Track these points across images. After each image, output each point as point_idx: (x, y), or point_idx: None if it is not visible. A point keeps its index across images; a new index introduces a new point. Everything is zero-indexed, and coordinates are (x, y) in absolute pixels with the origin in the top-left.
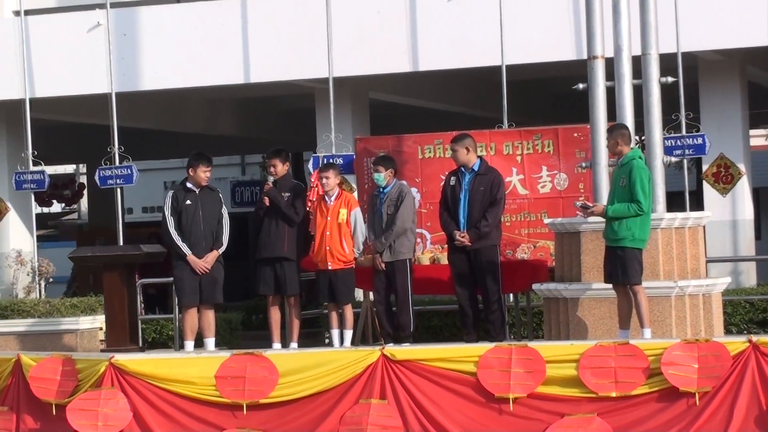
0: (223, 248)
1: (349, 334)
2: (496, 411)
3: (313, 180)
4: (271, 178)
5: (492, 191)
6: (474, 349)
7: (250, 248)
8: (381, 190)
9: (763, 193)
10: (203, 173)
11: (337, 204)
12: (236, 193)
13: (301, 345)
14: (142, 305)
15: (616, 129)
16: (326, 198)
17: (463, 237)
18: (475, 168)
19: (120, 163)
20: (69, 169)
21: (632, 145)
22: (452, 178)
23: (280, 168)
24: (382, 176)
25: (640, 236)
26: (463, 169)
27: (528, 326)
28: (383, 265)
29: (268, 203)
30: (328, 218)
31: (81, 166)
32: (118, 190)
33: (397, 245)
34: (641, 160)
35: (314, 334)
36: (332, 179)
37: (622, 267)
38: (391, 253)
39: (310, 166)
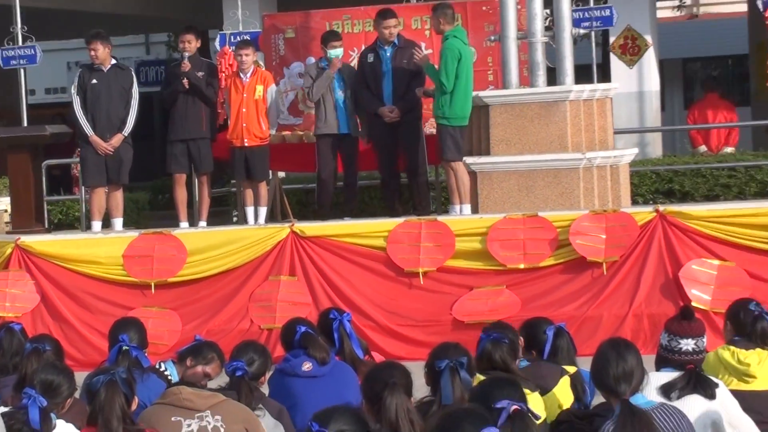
0: (128, 130)
1: (263, 210)
2: (405, 285)
3: (225, 58)
4: (186, 55)
5: (415, 63)
6: (383, 225)
7: (157, 128)
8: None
9: (668, 65)
10: (92, 51)
11: (252, 80)
12: (141, 73)
13: (208, 224)
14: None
15: (439, 8)
16: (241, 75)
17: (392, 112)
18: (395, 42)
19: (23, 43)
20: None
21: (456, 23)
22: (369, 54)
23: (194, 44)
24: (341, 51)
25: (451, 114)
26: (381, 44)
27: (437, 200)
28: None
29: (188, 85)
30: (244, 95)
31: None
32: (21, 71)
33: None
34: (456, 39)
35: (221, 213)
36: (251, 56)
37: (440, 144)
38: None
39: (216, 44)
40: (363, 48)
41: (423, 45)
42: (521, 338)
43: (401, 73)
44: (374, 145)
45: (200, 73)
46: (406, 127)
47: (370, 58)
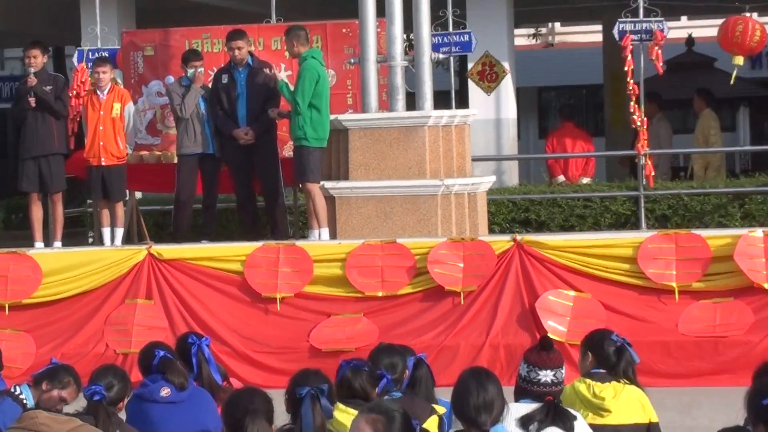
0: None
1: (119, 232)
2: (262, 311)
3: (78, 74)
4: (32, 70)
5: (269, 84)
6: (241, 248)
7: (11, 146)
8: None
9: (523, 93)
10: None
11: (110, 98)
12: None
13: (63, 245)
14: None
15: (292, 31)
16: (98, 92)
17: (247, 134)
18: (250, 62)
19: None
20: None
21: (309, 45)
22: (223, 75)
23: (41, 59)
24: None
25: (312, 135)
26: (235, 64)
27: (295, 225)
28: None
29: (34, 103)
30: (101, 113)
31: None
32: None
33: None
34: (313, 60)
35: (77, 234)
36: (108, 74)
37: (299, 166)
38: None
39: (74, 59)
40: (216, 69)
41: (283, 66)
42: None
43: (256, 95)
44: (229, 167)
45: (48, 88)
46: (262, 149)
47: (224, 79)
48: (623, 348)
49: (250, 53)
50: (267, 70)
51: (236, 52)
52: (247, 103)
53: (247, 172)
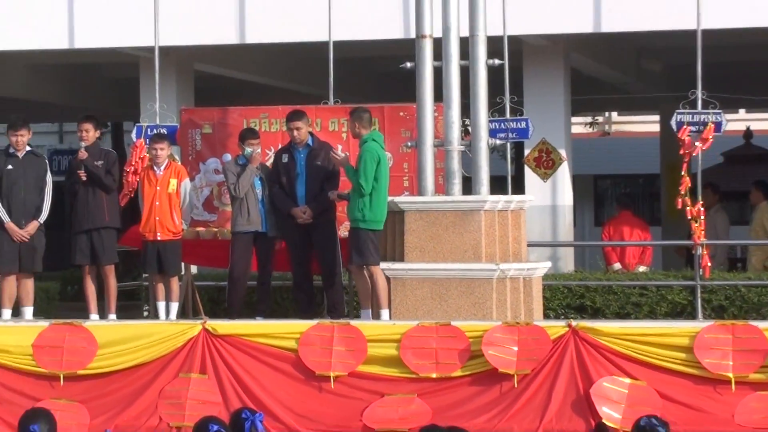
0: (44, 217)
1: (174, 306)
2: (316, 388)
3: (137, 150)
4: (83, 144)
5: (329, 164)
6: (296, 326)
7: (66, 218)
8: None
9: (579, 181)
10: (13, 137)
11: (167, 174)
12: (54, 161)
13: (118, 317)
14: None
15: (355, 112)
16: (155, 168)
17: (305, 213)
18: (310, 143)
19: None
20: None
21: (373, 127)
22: (284, 155)
23: (93, 134)
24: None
25: (371, 218)
26: (295, 144)
27: (349, 304)
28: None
29: (85, 177)
30: (158, 188)
31: None
32: None
33: None
34: (374, 143)
35: (131, 307)
36: (165, 150)
37: (357, 248)
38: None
39: (133, 135)
40: (279, 147)
41: (339, 147)
42: None
43: (315, 175)
44: (287, 245)
45: (99, 162)
46: (321, 228)
47: (285, 158)
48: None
49: (311, 133)
50: (332, 151)
51: (295, 132)
52: (306, 182)
53: (305, 251)
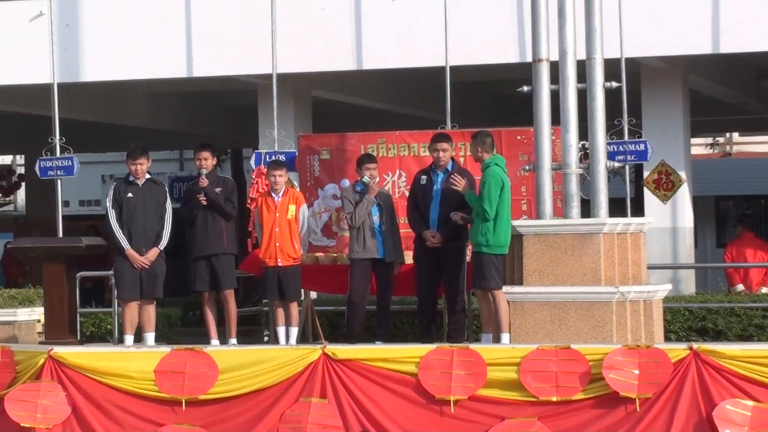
0: (164, 244)
1: (294, 331)
2: (436, 413)
3: (254, 176)
4: (204, 172)
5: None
6: (415, 350)
7: (185, 245)
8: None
9: (700, 202)
10: (133, 165)
11: (285, 200)
12: (174, 188)
13: (239, 342)
14: None
15: (478, 136)
16: (273, 194)
17: (434, 237)
18: (449, 167)
19: (61, 154)
20: (6, 159)
21: (495, 151)
22: (423, 176)
23: (211, 161)
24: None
25: (494, 242)
26: (435, 167)
27: (469, 328)
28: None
29: (205, 201)
30: (277, 214)
31: (18, 157)
32: (58, 181)
33: None
34: (497, 167)
35: (252, 332)
36: (283, 177)
37: (480, 272)
38: None
39: (252, 162)
40: (397, 172)
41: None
42: None
43: (449, 199)
44: (417, 267)
45: (218, 189)
46: (452, 254)
47: (423, 180)
48: None
49: (452, 159)
50: (453, 177)
51: (441, 153)
52: (440, 206)
53: (434, 275)
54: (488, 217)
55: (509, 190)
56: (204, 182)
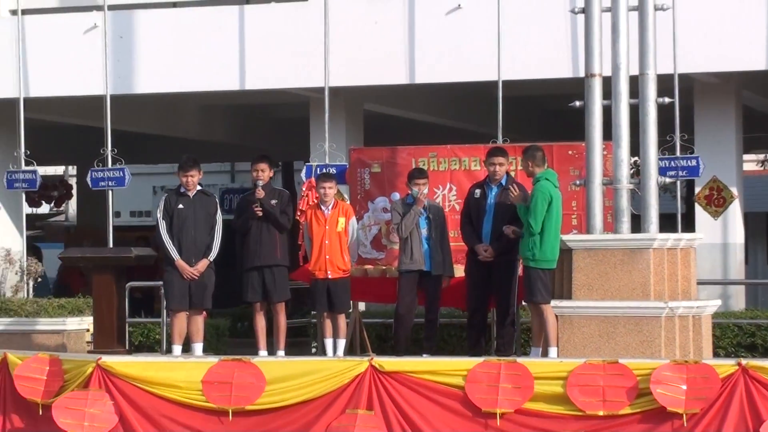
0: (214, 255)
1: (342, 343)
2: (482, 426)
3: (305, 189)
4: (260, 183)
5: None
6: (462, 363)
7: (236, 256)
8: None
9: (752, 218)
10: (184, 177)
11: (335, 213)
12: (225, 200)
13: (286, 354)
14: None
15: (529, 151)
16: (322, 207)
17: (486, 251)
18: (503, 182)
19: (112, 165)
20: (58, 170)
21: (546, 166)
22: (477, 190)
23: (268, 173)
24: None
25: (541, 257)
26: (489, 181)
27: (518, 342)
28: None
29: (261, 213)
30: (326, 227)
31: (70, 168)
32: (109, 192)
33: None
34: (547, 182)
35: (300, 344)
36: (333, 189)
37: (528, 286)
38: None
39: (303, 175)
40: (448, 186)
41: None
42: None
43: (502, 213)
44: (468, 280)
45: (273, 201)
46: (503, 267)
47: (477, 194)
48: None
49: (507, 173)
50: (510, 186)
51: (497, 167)
52: (493, 220)
53: (485, 288)
54: (533, 231)
55: (559, 205)
56: (260, 193)
